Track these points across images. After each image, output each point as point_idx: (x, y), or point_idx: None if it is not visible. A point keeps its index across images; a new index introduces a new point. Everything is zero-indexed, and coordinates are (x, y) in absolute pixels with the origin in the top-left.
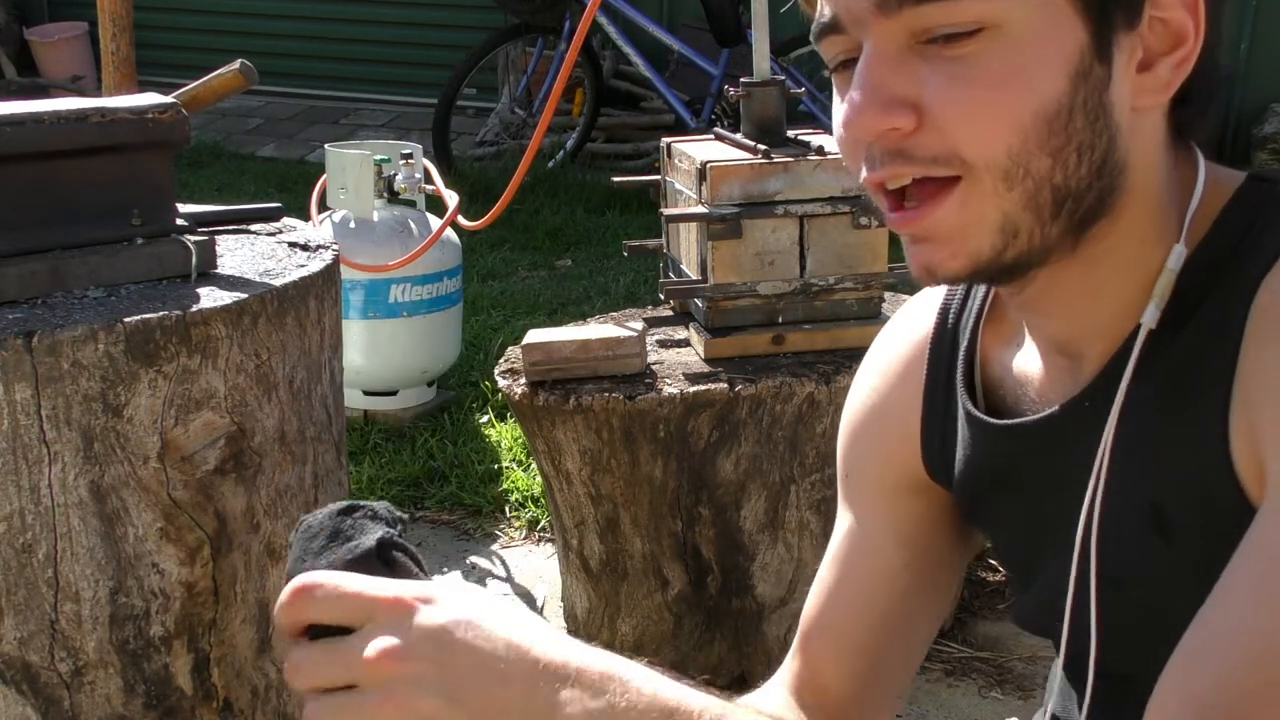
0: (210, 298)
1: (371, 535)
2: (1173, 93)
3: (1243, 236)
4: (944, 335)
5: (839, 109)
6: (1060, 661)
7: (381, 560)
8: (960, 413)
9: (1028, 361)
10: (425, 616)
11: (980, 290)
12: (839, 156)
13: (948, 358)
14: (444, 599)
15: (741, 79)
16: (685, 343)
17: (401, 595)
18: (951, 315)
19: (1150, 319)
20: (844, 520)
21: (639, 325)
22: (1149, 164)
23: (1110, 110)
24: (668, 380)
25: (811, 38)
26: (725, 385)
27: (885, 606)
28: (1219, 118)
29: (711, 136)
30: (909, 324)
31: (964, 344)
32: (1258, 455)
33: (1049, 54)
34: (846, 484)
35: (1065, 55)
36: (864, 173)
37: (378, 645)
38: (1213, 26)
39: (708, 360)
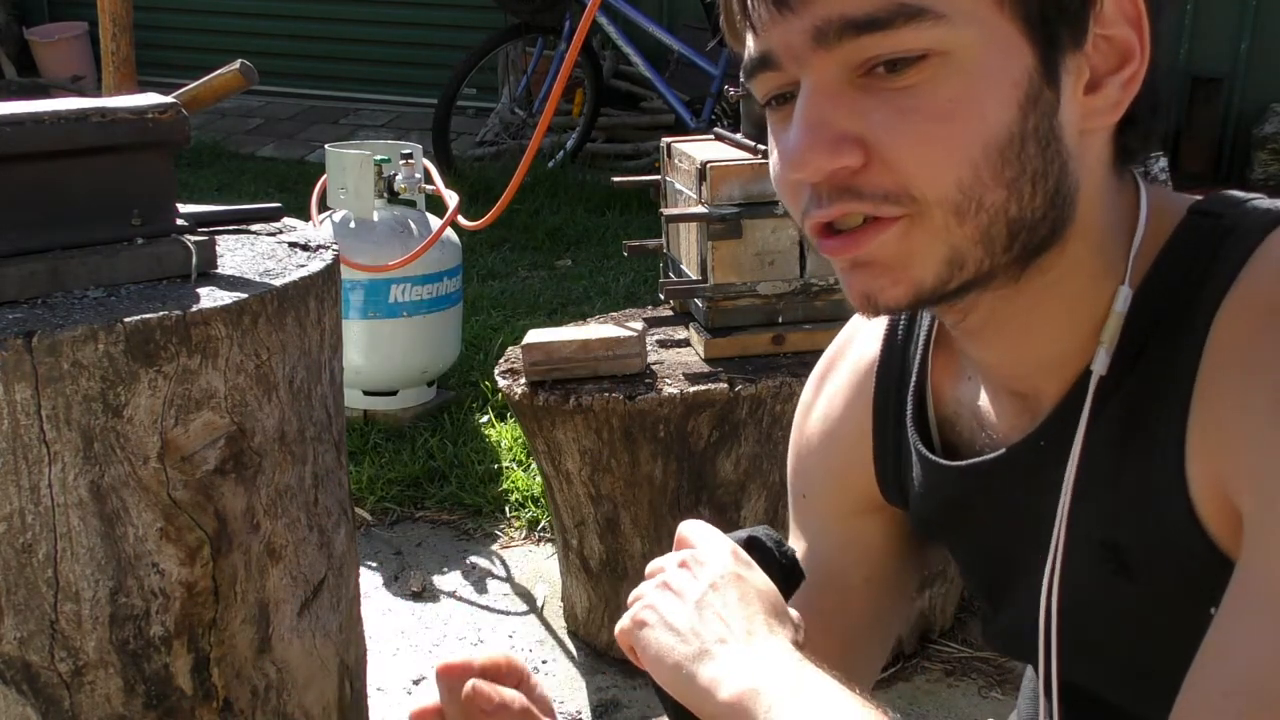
0: (210, 298)
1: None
2: (1122, 112)
3: (1186, 275)
4: (891, 360)
5: (776, 147)
6: (1032, 671)
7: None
8: (912, 450)
9: (981, 396)
10: (703, 570)
11: (926, 318)
12: None
13: (896, 386)
14: (709, 566)
15: (741, 79)
16: (685, 343)
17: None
18: (899, 338)
19: (1101, 365)
20: (800, 542)
21: (639, 325)
22: (1095, 191)
23: (1061, 135)
24: (668, 380)
25: (742, 75)
26: (725, 385)
27: (850, 624)
28: (1160, 141)
29: (711, 136)
30: (856, 345)
31: (913, 378)
32: (1226, 499)
33: (997, 81)
34: (802, 506)
35: (1014, 81)
36: (809, 213)
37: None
38: (1155, 45)
39: (708, 360)
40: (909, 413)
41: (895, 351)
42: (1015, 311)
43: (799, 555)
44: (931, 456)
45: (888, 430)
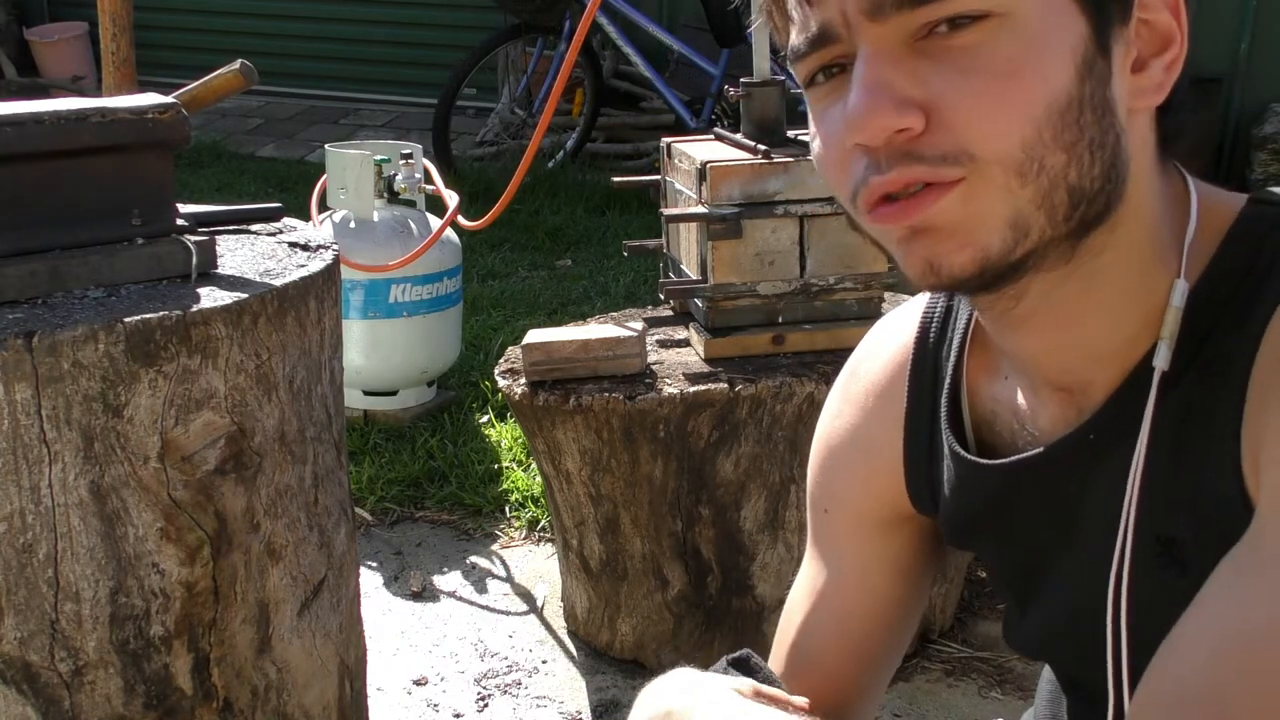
0: (210, 298)
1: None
2: (1166, 94)
3: (1249, 268)
4: (924, 362)
5: (821, 128)
6: (1052, 672)
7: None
8: (946, 451)
9: (1019, 393)
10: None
11: (961, 318)
12: None
13: (930, 388)
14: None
15: (741, 79)
16: (685, 343)
17: None
18: (931, 339)
19: (1163, 361)
20: (826, 556)
21: (639, 325)
22: (1143, 173)
23: (1114, 107)
24: (668, 380)
25: (791, 58)
26: (725, 385)
27: (876, 638)
28: (1196, 132)
29: (711, 136)
30: (884, 349)
31: (947, 378)
32: (1260, 475)
33: (1056, 44)
34: (827, 520)
35: (1071, 46)
36: (867, 182)
37: None
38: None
39: (708, 360)
40: (943, 414)
41: (928, 353)
42: (1065, 297)
43: (825, 570)
44: (970, 457)
45: (920, 433)
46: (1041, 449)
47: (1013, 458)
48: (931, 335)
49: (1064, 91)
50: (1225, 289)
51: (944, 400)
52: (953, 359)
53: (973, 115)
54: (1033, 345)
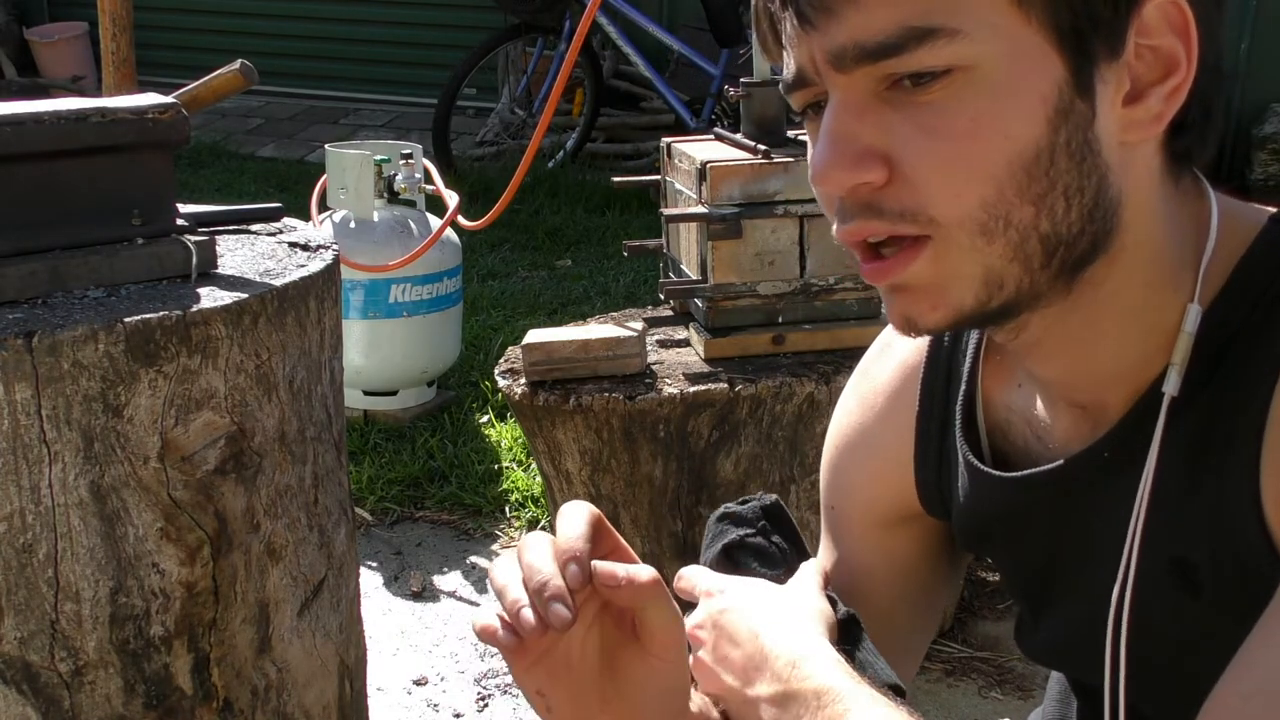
0: (210, 298)
1: (719, 541)
2: (1166, 124)
3: (1265, 290)
4: (937, 365)
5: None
6: (1063, 676)
7: (730, 560)
8: (960, 460)
9: (1035, 404)
10: (710, 604)
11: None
12: None
13: (942, 392)
14: (724, 593)
15: (741, 79)
16: (685, 343)
17: (701, 589)
18: (946, 343)
19: (1173, 387)
20: (831, 551)
21: (639, 325)
22: (1145, 200)
23: (1097, 148)
24: (668, 380)
25: (783, 90)
26: (725, 385)
27: (880, 638)
28: (1219, 140)
29: (711, 136)
30: (897, 350)
31: (962, 385)
32: None
33: (1025, 95)
34: (833, 516)
35: (1042, 94)
36: (835, 226)
37: (690, 620)
38: (1210, 41)
39: (708, 360)
40: (958, 421)
41: (941, 357)
42: (1072, 327)
43: (829, 565)
44: (984, 468)
45: (931, 438)
46: (1056, 465)
47: (1026, 471)
48: (946, 339)
49: (1032, 144)
50: (1241, 311)
51: (958, 407)
52: (968, 365)
53: (932, 177)
54: (1042, 369)
